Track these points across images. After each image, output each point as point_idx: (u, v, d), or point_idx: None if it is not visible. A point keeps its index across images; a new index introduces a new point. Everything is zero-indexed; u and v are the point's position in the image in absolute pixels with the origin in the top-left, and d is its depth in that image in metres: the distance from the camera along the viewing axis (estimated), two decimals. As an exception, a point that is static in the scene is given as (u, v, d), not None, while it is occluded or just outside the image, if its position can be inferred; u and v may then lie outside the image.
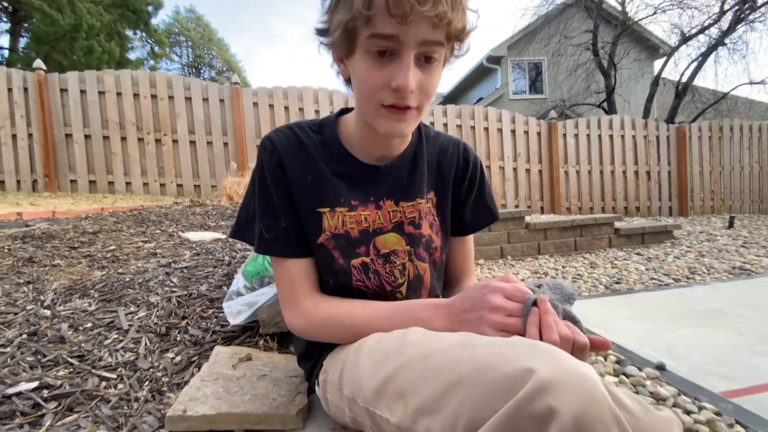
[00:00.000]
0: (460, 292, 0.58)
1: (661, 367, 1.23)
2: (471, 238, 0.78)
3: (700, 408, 0.95)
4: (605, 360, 1.35)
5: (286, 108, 4.84)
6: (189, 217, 2.87)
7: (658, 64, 10.18)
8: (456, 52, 0.58)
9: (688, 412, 0.93)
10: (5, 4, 12.14)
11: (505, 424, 0.35)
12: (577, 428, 0.33)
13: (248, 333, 1.04)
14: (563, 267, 3.10)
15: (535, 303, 0.50)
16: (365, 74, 0.54)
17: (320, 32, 0.58)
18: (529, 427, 0.34)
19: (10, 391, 0.80)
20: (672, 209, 6.03)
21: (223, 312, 1.12)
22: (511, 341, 0.43)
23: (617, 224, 3.89)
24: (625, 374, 1.20)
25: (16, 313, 1.16)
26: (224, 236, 2.32)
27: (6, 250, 1.77)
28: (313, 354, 0.69)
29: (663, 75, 8.57)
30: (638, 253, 3.53)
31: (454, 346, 0.45)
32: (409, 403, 0.44)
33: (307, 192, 0.63)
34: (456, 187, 0.73)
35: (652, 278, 2.76)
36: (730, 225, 4.70)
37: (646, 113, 8.32)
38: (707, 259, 3.19)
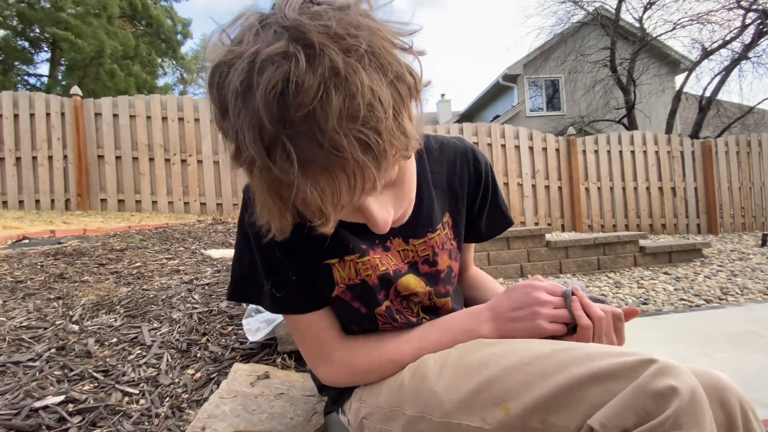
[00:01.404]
0: (492, 297, 0.60)
1: (693, 394, 1.17)
2: None
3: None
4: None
5: (305, 128, 4.97)
6: (211, 235, 2.95)
7: (679, 78, 10.02)
8: (411, 120, 0.41)
9: (725, 443, 0.87)
10: (46, 35, 13.09)
11: (629, 402, 0.38)
12: (693, 403, 0.37)
13: (266, 350, 1.04)
14: (587, 286, 3.01)
15: (572, 293, 0.56)
16: None
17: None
18: (651, 404, 0.38)
19: (37, 404, 0.83)
20: (700, 227, 5.80)
21: (242, 329, 1.14)
22: (599, 345, 0.48)
23: (642, 242, 3.76)
24: (654, 401, 1.15)
25: (45, 328, 1.20)
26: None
27: (39, 267, 1.85)
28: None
29: (685, 90, 8.42)
30: (666, 273, 3.40)
31: (551, 351, 0.47)
32: (512, 408, 0.45)
33: (309, 246, 0.55)
34: (470, 202, 0.67)
35: (682, 299, 2.64)
36: (764, 243, 4.48)
37: (669, 129, 8.14)
38: (740, 279, 3.04)
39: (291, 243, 0.56)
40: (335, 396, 0.68)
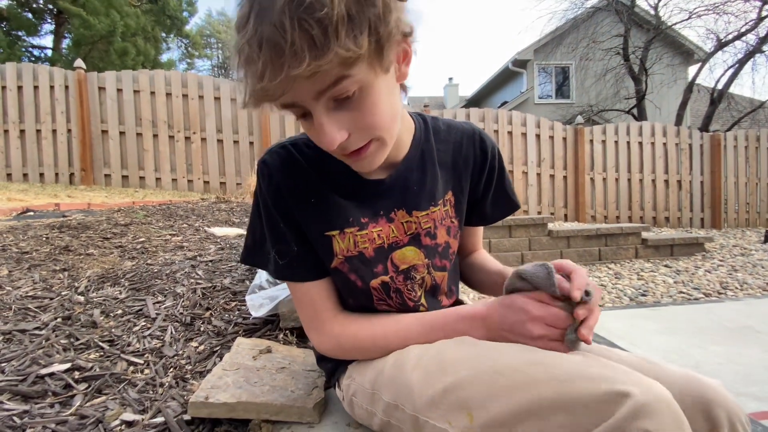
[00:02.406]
0: (493, 300, 0.56)
1: (687, 384, 1.18)
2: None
3: (730, 428, 0.91)
4: (628, 373, 1.30)
5: (310, 109, 4.92)
6: (214, 213, 2.96)
7: (692, 70, 9.82)
8: (392, 39, 0.44)
9: (717, 432, 0.89)
10: (50, 6, 12.85)
11: None
12: None
13: (269, 326, 1.06)
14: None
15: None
16: (306, 132, 0.52)
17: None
18: None
19: (44, 371, 0.85)
20: (704, 221, 5.77)
21: (245, 305, 1.15)
22: (579, 360, 0.44)
23: (645, 234, 3.76)
24: (649, 389, 1.17)
25: (51, 298, 1.22)
26: (247, 232, 2.37)
27: (44, 238, 1.87)
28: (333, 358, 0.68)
29: (697, 81, 8.26)
30: (666, 266, 3.40)
31: (525, 364, 0.45)
32: (476, 417, 0.44)
33: (311, 216, 0.59)
34: (475, 182, 0.68)
35: (681, 292, 2.65)
36: (766, 239, 4.46)
37: (679, 120, 8.01)
38: (740, 274, 3.04)
39: (297, 215, 0.59)
40: (331, 370, 0.70)
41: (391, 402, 0.54)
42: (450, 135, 0.66)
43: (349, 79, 0.44)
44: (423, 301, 0.64)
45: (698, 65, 8.48)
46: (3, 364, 0.86)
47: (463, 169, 0.66)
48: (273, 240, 0.60)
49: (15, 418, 0.71)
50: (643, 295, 2.64)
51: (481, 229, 0.78)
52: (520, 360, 0.46)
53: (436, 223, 0.64)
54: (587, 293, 0.50)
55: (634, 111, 8.80)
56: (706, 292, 2.66)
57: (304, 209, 0.59)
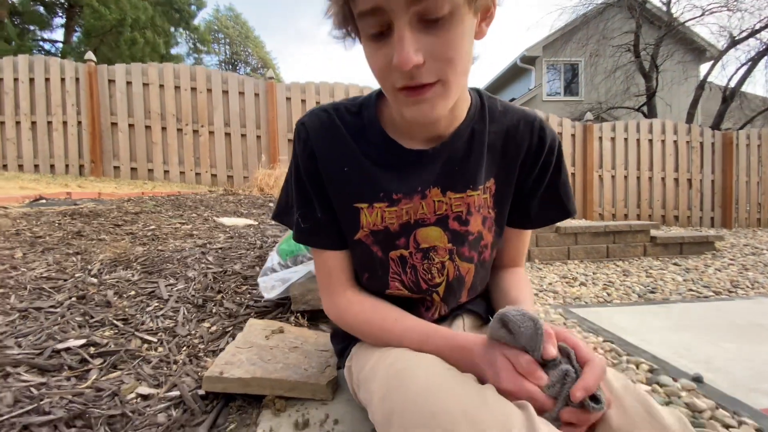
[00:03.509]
0: (482, 339, 0.50)
1: (698, 379, 1.17)
2: (529, 231, 0.67)
3: (740, 423, 0.90)
4: (637, 368, 1.29)
5: (318, 103, 4.92)
6: (222, 204, 2.97)
7: (704, 68, 9.67)
8: None
9: (727, 426, 0.88)
10: (62, 1, 12.97)
11: None
12: None
13: (280, 309, 1.07)
14: (594, 273, 3.00)
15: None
16: (369, 59, 0.48)
17: (334, 26, 0.51)
18: None
19: (60, 346, 0.86)
20: (714, 220, 5.70)
21: (256, 289, 1.16)
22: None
23: (653, 232, 3.72)
24: (658, 384, 1.15)
25: (65, 280, 1.24)
26: (256, 223, 2.39)
27: (57, 224, 1.89)
28: (345, 336, 0.67)
29: (709, 79, 8.13)
30: (675, 264, 3.36)
31: (462, 413, 0.39)
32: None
33: (342, 185, 0.57)
34: (524, 172, 0.61)
35: (690, 290, 2.62)
36: (780, 239, 4.39)
37: (690, 118, 7.90)
38: (751, 273, 3.00)
39: (327, 182, 0.58)
40: (340, 350, 0.70)
41: (364, 401, 0.54)
42: (506, 117, 0.61)
43: None
44: (441, 290, 0.60)
45: (710, 63, 8.34)
46: (20, 339, 0.88)
47: (514, 157, 0.60)
48: (299, 203, 0.60)
49: (32, 389, 0.72)
50: (652, 292, 2.62)
51: (525, 239, 0.69)
52: (458, 407, 0.40)
53: (470, 208, 0.59)
54: (596, 400, 0.41)
55: (644, 108, 8.69)
56: (717, 290, 2.62)
57: (335, 177, 0.57)
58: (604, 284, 2.65)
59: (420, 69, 0.45)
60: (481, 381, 0.47)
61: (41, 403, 0.68)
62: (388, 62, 0.45)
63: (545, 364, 0.43)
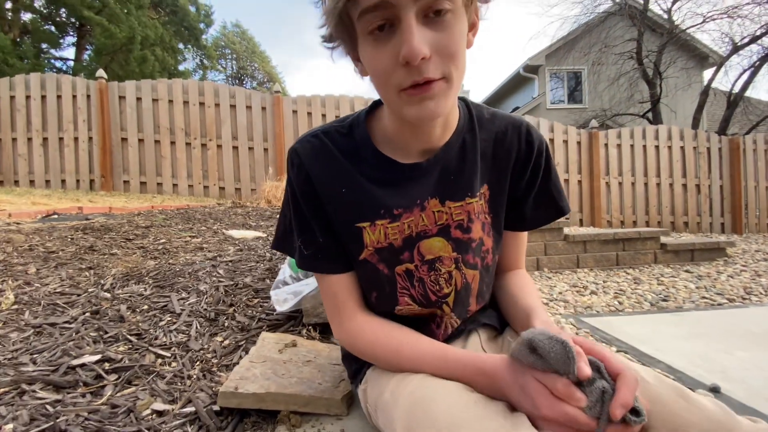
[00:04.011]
0: (508, 362, 0.48)
1: (715, 390, 1.15)
2: (525, 232, 0.69)
3: (764, 432, 0.88)
4: (654, 377, 1.27)
5: (324, 115, 4.97)
6: (231, 217, 3.00)
7: (707, 73, 9.65)
8: (474, 7, 0.48)
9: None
10: (73, 20, 13.34)
11: None
12: None
13: (292, 322, 1.07)
14: (604, 281, 2.96)
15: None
16: (372, 59, 0.48)
17: (326, 38, 0.52)
18: None
19: (75, 362, 0.87)
20: (724, 226, 5.63)
21: (267, 302, 1.16)
22: None
23: (664, 239, 3.67)
24: (676, 393, 1.13)
25: (79, 294, 1.25)
26: (265, 235, 2.40)
27: (69, 239, 1.91)
28: (358, 358, 0.65)
29: (713, 85, 8.11)
30: (687, 271, 3.31)
31: None
32: None
33: (342, 207, 0.57)
34: (515, 177, 0.62)
35: (704, 297, 2.58)
36: (793, 245, 4.32)
37: (695, 124, 7.87)
38: (764, 280, 2.95)
39: (326, 205, 0.58)
40: (353, 372, 0.69)
41: (383, 426, 0.54)
42: (494, 124, 0.62)
43: None
44: (450, 300, 0.60)
45: (713, 69, 8.34)
46: (35, 356, 0.88)
47: (504, 163, 0.61)
48: (299, 230, 0.59)
49: (48, 406, 0.72)
50: (665, 300, 2.58)
51: (523, 240, 0.70)
52: None
53: (471, 215, 0.59)
54: (637, 413, 0.40)
55: (649, 115, 8.68)
56: (730, 297, 2.58)
57: (334, 199, 0.57)
58: (615, 292, 2.62)
59: (427, 63, 0.45)
60: (512, 407, 0.46)
61: (57, 420, 0.68)
62: (393, 59, 0.45)
63: (580, 383, 0.42)
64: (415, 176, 0.58)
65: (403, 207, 0.57)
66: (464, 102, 0.63)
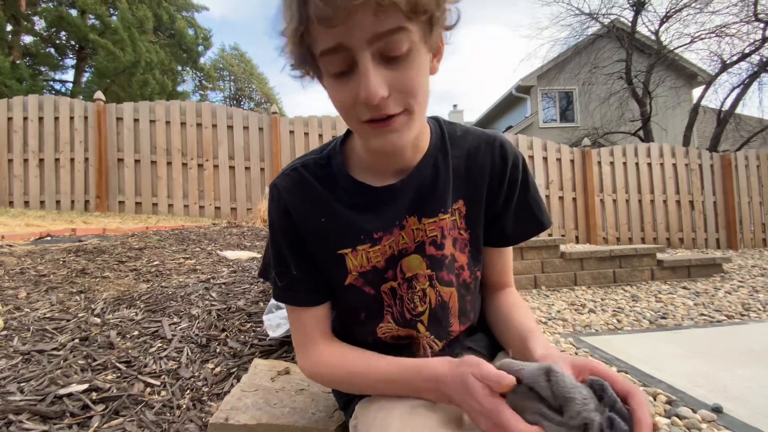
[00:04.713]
0: (450, 363, 0.49)
1: (717, 410, 1.13)
2: (510, 248, 0.68)
3: (767, 454, 0.86)
4: (654, 400, 1.25)
5: (320, 136, 5.03)
6: (226, 237, 2.98)
7: (696, 91, 9.91)
8: (440, 23, 0.47)
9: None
10: (73, 42, 13.60)
11: None
12: None
13: (285, 347, 1.05)
14: (602, 299, 2.95)
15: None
16: (333, 96, 0.49)
17: (293, 68, 0.51)
18: None
19: (62, 391, 0.84)
20: (719, 241, 5.66)
21: (260, 326, 1.14)
22: None
23: (660, 255, 3.68)
24: (678, 416, 1.11)
25: (68, 320, 1.23)
26: (259, 255, 2.38)
27: (61, 262, 1.89)
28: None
29: (703, 102, 8.31)
30: (684, 287, 3.31)
31: None
32: None
33: (322, 236, 0.58)
34: (492, 193, 0.62)
35: (702, 314, 2.57)
36: (788, 260, 4.34)
37: (686, 141, 8.02)
38: (762, 295, 2.94)
39: (306, 236, 0.59)
40: (343, 405, 0.68)
41: None
42: (466, 141, 0.62)
43: (406, 33, 0.44)
44: (425, 319, 0.60)
45: (702, 87, 8.55)
46: (22, 384, 0.86)
47: (479, 178, 0.61)
48: (276, 261, 0.60)
49: (33, 439, 0.70)
50: (663, 317, 2.56)
51: (507, 257, 0.69)
52: None
53: (444, 232, 0.60)
54: None
55: (640, 133, 8.85)
56: (728, 314, 2.57)
57: (314, 229, 0.58)
58: (614, 310, 2.61)
59: (386, 101, 0.46)
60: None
61: (41, 455, 0.65)
62: (353, 97, 0.47)
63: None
64: (390, 198, 0.59)
65: (382, 230, 0.58)
66: (436, 121, 0.64)
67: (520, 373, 0.42)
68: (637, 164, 5.59)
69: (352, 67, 0.46)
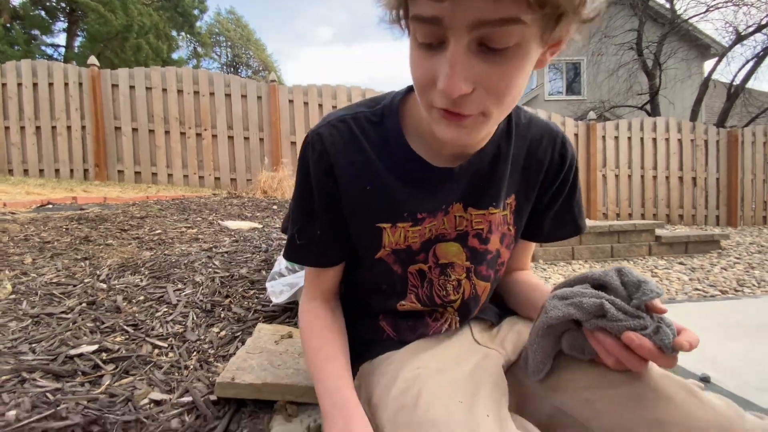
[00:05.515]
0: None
1: (705, 380, 1.17)
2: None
3: (753, 422, 0.90)
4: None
5: (320, 105, 4.93)
6: (227, 208, 2.99)
7: (708, 64, 9.62)
8: (572, 17, 0.37)
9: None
10: (63, 5, 13.07)
11: None
12: None
13: (288, 313, 1.07)
14: (599, 272, 3.00)
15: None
16: (412, 67, 0.43)
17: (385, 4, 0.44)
18: None
19: (73, 352, 0.87)
20: (719, 218, 5.67)
21: (263, 293, 1.17)
22: None
23: (658, 231, 3.71)
24: (665, 384, 1.15)
25: (75, 285, 1.25)
26: (260, 226, 2.40)
27: (64, 229, 1.91)
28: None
29: (714, 76, 8.09)
30: (681, 263, 3.35)
31: None
32: None
33: (364, 205, 0.53)
34: (543, 189, 0.59)
35: (696, 289, 2.61)
36: (786, 237, 4.36)
37: (694, 116, 7.87)
38: (758, 272, 2.99)
39: (344, 200, 0.54)
40: None
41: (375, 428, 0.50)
42: (529, 131, 0.58)
43: (519, 26, 0.36)
44: (455, 306, 0.58)
45: (714, 60, 8.31)
46: (33, 345, 0.89)
47: (535, 174, 0.58)
48: (299, 217, 0.56)
49: (48, 394, 0.73)
50: (658, 291, 2.61)
51: (532, 246, 0.69)
52: None
53: (491, 226, 0.56)
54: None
55: (648, 107, 8.67)
56: (723, 289, 2.61)
57: (356, 195, 0.53)
58: (610, 284, 2.65)
59: (465, 98, 0.40)
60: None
61: (58, 408, 0.68)
62: (432, 78, 0.40)
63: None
64: (444, 181, 0.54)
65: (427, 212, 0.54)
66: None
67: (587, 276, 0.48)
68: (642, 139, 5.51)
69: (443, 43, 0.39)
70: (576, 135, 5.41)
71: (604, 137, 5.45)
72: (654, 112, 8.30)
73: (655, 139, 5.54)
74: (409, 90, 0.56)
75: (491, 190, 0.55)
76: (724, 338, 1.67)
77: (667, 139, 5.56)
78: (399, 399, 0.47)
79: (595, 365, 0.49)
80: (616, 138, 5.48)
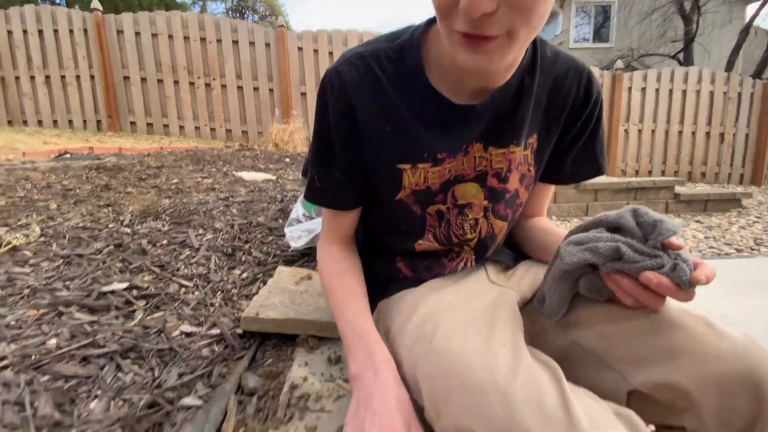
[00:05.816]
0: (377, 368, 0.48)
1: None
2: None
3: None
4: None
5: (331, 53, 4.73)
6: (240, 159, 2.99)
7: (751, 8, 8.80)
8: None
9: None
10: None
11: None
12: None
13: (306, 258, 1.11)
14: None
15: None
16: None
17: None
18: None
19: (105, 288, 0.92)
20: (743, 177, 5.48)
21: (281, 239, 1.20)
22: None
23: (677, 189, 3.61)
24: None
25: (100, 229, 1.30)
26: (275, 178, 2.41)
27: (84, 178, 1.95)
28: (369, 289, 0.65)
29: (755, 22, 7.43)
30: (698, 221, 3.29)
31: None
32: (443, 416, 0.42)
33: (383, 145, 0.53)
34: (567, 127, 0.58)
35: (711, 247, 2.58)
36: (812, 196, 4.21)
37: (730, 66, 7.34)
38: (778, 231, 2.93)
39: (364, 141, 0.54)
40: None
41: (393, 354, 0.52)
42: (554, 65, 0.55)
43: None
44: (472, 245, 0.59)
45: (759, 2, 7.58)
46: (67, 282, 0.94)
47: (558, 112, 0.56)
48: (319, 159, 0.56)
49: (86, 326, 0.78)
50: (672, 247, 2.59)
51: (551, 191, 0.67)
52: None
53: (511, 165, 0.55)
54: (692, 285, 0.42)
55: (680, 56, 8.10)
56: (738, 247, 2.58)
57: (377, 137, 0.52)
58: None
59: (489, 18, 0.38)
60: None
61: (96, 338, 0.74)
62: (454, 0, 0.39)
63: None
64: (466, 119, 0.53)
65: (447, 152, 0.53)
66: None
67: (602, 219, 0.47)
68: (671, 91, 5.21)
69: None
70: (601, 86, 5.14)
71: (630, 89, 5.16)
72: (687, 61, 7.76)
73: (684, 91, 5.22)
74: (430, 23, 0.53)
75: (513, 128, 0.54)
76: (736, 295, 1.67)
77: (698, 92, 5.24)
78: (416, 331, 0.48)
79: (612, 302, 0.49)
80: (643, 90, 5.18)
